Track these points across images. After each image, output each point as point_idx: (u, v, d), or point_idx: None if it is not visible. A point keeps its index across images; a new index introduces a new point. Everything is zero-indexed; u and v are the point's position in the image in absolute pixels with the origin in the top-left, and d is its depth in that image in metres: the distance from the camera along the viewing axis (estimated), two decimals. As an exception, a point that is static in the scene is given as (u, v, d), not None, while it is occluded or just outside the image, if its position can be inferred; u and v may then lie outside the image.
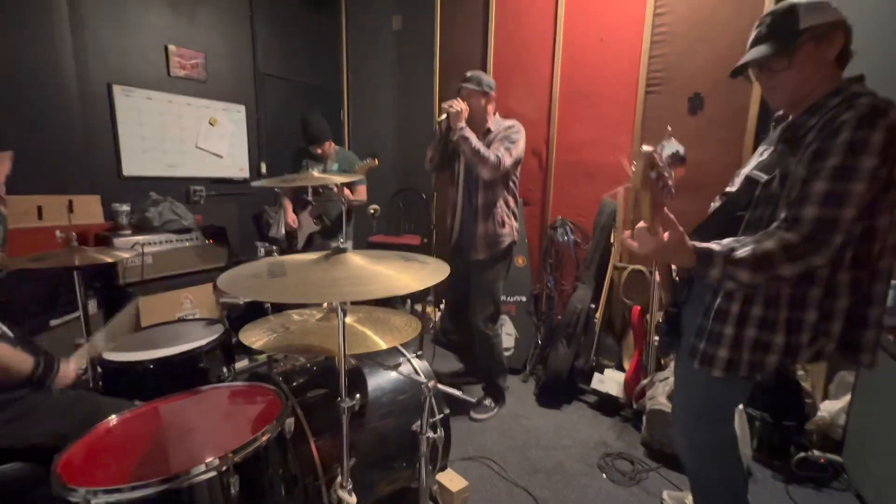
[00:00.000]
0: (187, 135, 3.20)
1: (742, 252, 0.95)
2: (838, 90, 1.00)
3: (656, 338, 2.43)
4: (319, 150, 2.75)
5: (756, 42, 1.06)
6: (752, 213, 1.07)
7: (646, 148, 0.90)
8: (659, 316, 2.40)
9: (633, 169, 0.91)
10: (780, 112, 1.18)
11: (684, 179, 2.62)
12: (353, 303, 1.70)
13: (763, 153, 1.15)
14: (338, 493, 1.08)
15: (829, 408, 2.04)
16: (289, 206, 2.86)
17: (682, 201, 2.54)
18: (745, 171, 1.18)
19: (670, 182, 0.96)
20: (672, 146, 2.27)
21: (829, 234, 0.91)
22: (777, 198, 1.01)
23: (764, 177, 1.07)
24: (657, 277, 1.90)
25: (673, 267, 1.30)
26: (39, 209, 2.39)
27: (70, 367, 1.32)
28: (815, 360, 1.06)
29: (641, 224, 1.02)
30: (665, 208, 0.96)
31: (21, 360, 1.19)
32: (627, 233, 1.03)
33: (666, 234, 0.95)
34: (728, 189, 1.23)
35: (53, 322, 2.01)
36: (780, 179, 1.01)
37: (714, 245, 0.98)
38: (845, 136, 0.91)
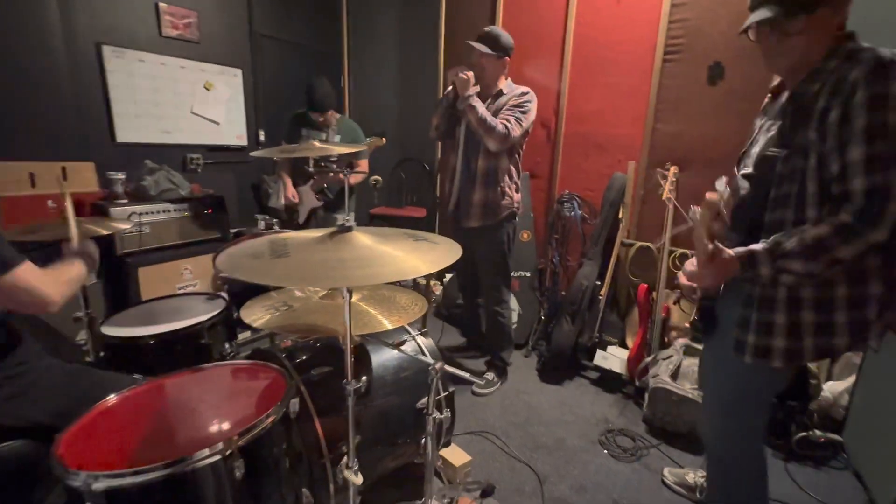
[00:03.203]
0: (182, 100, 3.07)
1: (789, 243, 0.93)
2: (834, 51, 0.95)
3: (666, 317, 2.41)
4: (322, 119, 2.63)
5: (766, 1, 0.98)
6: (776, 190, 1.01)
7: (710, 197, 0.90)
8: (665, 294, 2.38)
9: (698, 217, 0.96)
10: (775, 83, 1.14)
11: (700, 154, 2.54)
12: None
13: (770, 129, 1.09)
14: (343, 473, 1.07)
15: (833, 388, 2.05)
16: (288, 180, 2.75)
17: (697, 178, 2.48)
18: (755, 151, 1.12)
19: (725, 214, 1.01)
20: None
21: (883, 204, 0.86)
22: (802, 172, 0.96)
23: (781, 152, 1.01)
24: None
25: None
26: (32, 176, 2.31)
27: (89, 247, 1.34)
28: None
29: (689, 265, 1.12)
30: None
31: (75, 270, 1.20)
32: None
33: (715, 261, 0.99)
34: (741, 173, 1.16)
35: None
36: (802, 152, 0.96)
37: (754, 245, 0.98)
38: (862, 95, 0.86)
